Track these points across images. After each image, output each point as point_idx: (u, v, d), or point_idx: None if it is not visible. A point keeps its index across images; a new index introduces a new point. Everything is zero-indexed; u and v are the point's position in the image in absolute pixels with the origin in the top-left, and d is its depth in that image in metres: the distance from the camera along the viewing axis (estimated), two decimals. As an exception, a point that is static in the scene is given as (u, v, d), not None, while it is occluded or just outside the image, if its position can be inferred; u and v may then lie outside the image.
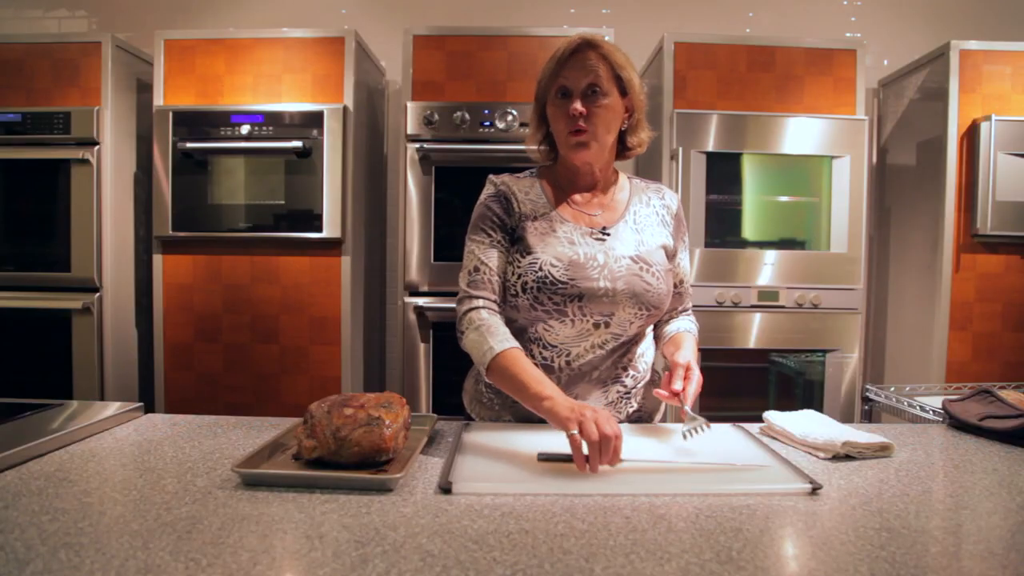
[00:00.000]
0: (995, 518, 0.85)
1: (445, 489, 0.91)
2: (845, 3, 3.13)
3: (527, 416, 1.23)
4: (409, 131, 2.47)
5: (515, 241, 1.27)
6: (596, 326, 1.24)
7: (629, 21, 3.07)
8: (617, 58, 1.24)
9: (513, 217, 1.28)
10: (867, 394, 2.00)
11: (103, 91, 2.52)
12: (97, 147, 2.50)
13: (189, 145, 2.44)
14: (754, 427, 1.27)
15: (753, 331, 2.51)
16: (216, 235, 2.48)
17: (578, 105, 1.21)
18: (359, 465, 0.97)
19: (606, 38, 1.27)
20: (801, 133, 2.49)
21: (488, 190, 1.33)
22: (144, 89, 2.71)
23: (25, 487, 0.92)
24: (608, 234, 1.28)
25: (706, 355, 2.52)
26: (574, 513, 0.84)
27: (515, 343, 1.17)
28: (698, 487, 0.93)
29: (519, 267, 1.23)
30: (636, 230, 1.30)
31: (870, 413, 2.01)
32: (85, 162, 2.47)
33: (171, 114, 2.46)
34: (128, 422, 1.29)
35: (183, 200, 2.48)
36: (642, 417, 1.36)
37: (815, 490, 0.92)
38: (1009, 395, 1.33)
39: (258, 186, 2.48)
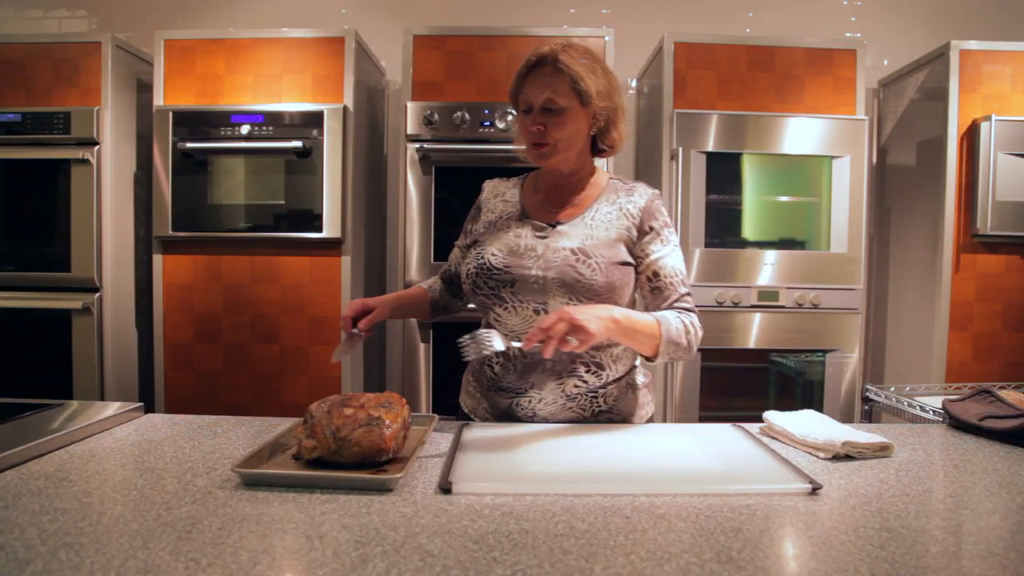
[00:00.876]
0: (995, 518, 0.86)
1: (445, 489, 0.91)
2: (845, 3, 3.13)
3: (500, 408, 1.33)
4: (409, 131, 2.47)
5: (474, 242, 1.40)
6: (536, 312, 1.28)
7: (629, 21, 3.07)
8: (576, 69, 1.24)
9: (478, 224, 1.43)
10: (867, 394, 2.00)
11: (103, 91, 2.52)
12: (97, 147, 2.50)
13: (189, 145, 2.44)
14: (754, 427, 1.27)
15: (753, 331, 2.51)
16: (216, 235, 2.48)
17: (537, 124, 1.26)
18: (359, 465, 0.97)
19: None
20: (801, 133, 2.49)
21: (478, 196, 1.48)
22: (144, 89, 2.71)
23: (25, 487, 0.92)
24: (558, 229, 1.32)
25: (706, 355, 2.52)
26: (574, 513, 0.84)
27: (417, 285, 1.49)
28: (698, 487, 0.93)
29: (468, 258, 1.37)
30: (590, 226, 1.31)
31: (870, 413, 2.01)
32: (85, 162, 2.47)
33: (171, 114, 2.46)
34: (128, 422, 1.29)
35: (183, 200, 2.48)
36: (612, 419, 1.34)
37: (815, 490, 0.92)
38: (1009, 395, 1.33)
39: (258, 186, 2.48)
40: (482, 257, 1.32)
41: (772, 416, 1.25)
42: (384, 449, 0.97)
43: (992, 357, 2.51)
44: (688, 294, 1.32)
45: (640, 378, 1.40)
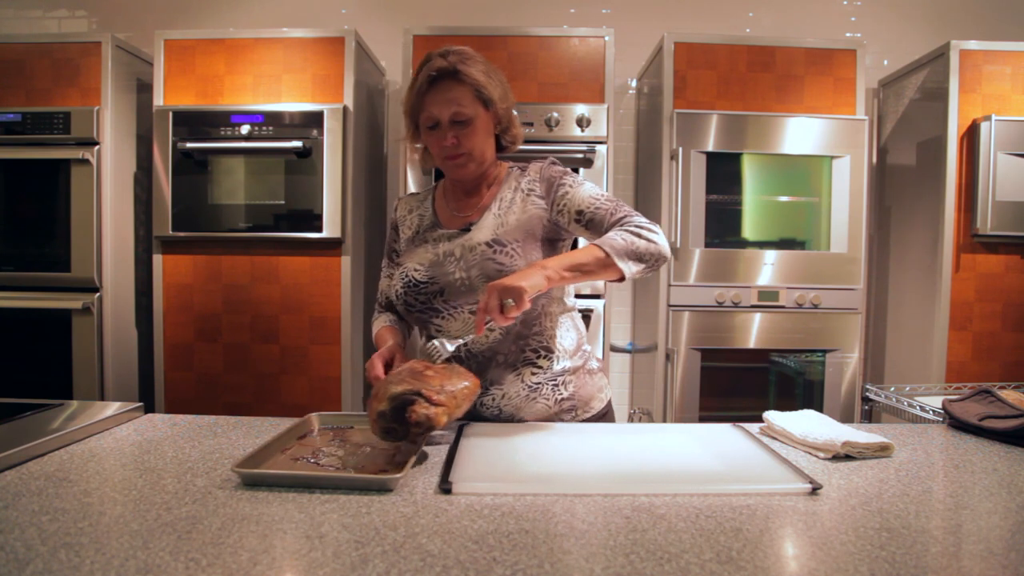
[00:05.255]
0: (995, 518, 0.85)
1: (445, 489, 0.91)
2: (845, 3, 3.13)
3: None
4: (409, 131, 2.47)
5: (397, 264, 1.41)
6: (472, 313, 1.29)
7: (629, 21, 3.07)
8: (476, 79, 1.27)
9: (399, 243, 1.45)
10: (867, 394, 2.00)
11: (103, 91, 2.52)
12: (97, 147, 2.50)
13: (189, 145, 2.44)
14: (754, 427, 1.27)
15: (753, 331, 2.51)
16: (216, 235, 2.48)
17: (450, 137, 1.28)
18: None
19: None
20: (801, 133, 2.49)
21: (391, 215, 1.51)
22: (144, 89, 2.71)
23: (25, 487, 0.92)
24: (469, 228, 1.34)
25: (706, 355, 2.52)
26: (574, 513, 0.84)
27: (384, 324, 1.43)
28: (698, 487, 0.93)
29: (394, 279, 1.38)
30: (498, 215, 1.33)
31: (870, 413, 2.01)
32: (85, 162, 2.47)
33: (171, 114, 2.46)
34: (128, 422, 1.29)
35: (183, 200, 2.48)
36: (576, 406, 1.35)
37: (815, 490, 0.92)
38: (1009, 395, 1.33)
39: (258, 186, 2.48)
40: (406, 275, 1.34)
41: (772, 416, 1.25)
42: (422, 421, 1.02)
43: (992, 357, 2.51)
44: (620, 208, 1.29)
45: (593, 364, 1.43)
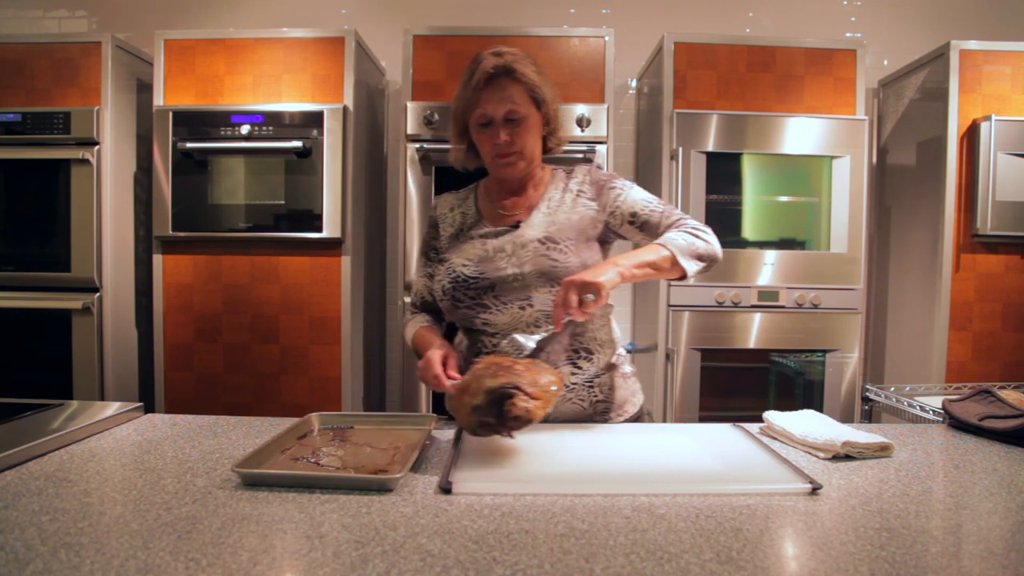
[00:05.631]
0: (995, 518, 0.85)
1: (445, 489, 0.91)
2: (845, 3, 3.13)
3: None
4: (409, 131, 2.47)
5: (440, 260, 1.41)
6: (521, 308, 1.29)
7: (629, 21, 3.07)
8: (531, 78, 1.29)
9: (439, 240, 1.44)
10: (867, 394, 2.00)
11: (103, 91, 2.52)
12: (97, 147, 2.49)
13: (189, 145, 2.43)
14: (754, 427, 1.27)
15: (753, 331, 2.51)
16: (216, 235, 2.48)
17: (503, 135, 1.29)
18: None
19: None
20: (801, 133, 2.49)
21: (430, 214, 1.48)
22: (144, 89, 2.71)
23: (25, 487, 0.92)
24: (518, 226, 1.34)
25: (706, 355, 2.52)
26: (574, 513, 0.84)
27: (422, 325, 1.41)
28: (698, 487, 0.93)
29: (439, 275, 1.37)
30: (548, 214, 1.35)
31: (870, 413, 2.01)
32: (85, 162, 2.47)
33: (171, 114, 2.46)
34: (128, 422, 1.29)
35: (183, 200, 2.48)
36: (609, 408, 1.37)
37: (815, 490, 0.92)
38: (1009, 395, 1.33)
39: (258, 186, 2.48)
40: (453, 271, 1.33)
41: (772, 416, 1.25)
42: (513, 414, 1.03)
43: (992, 357, 2.51)
44: (673, 211, 1.35)
45: (627, 367, 1.44)
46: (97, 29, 3.13)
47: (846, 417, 2.52)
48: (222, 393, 2.52)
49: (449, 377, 1.19)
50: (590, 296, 1.13)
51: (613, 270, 1.17)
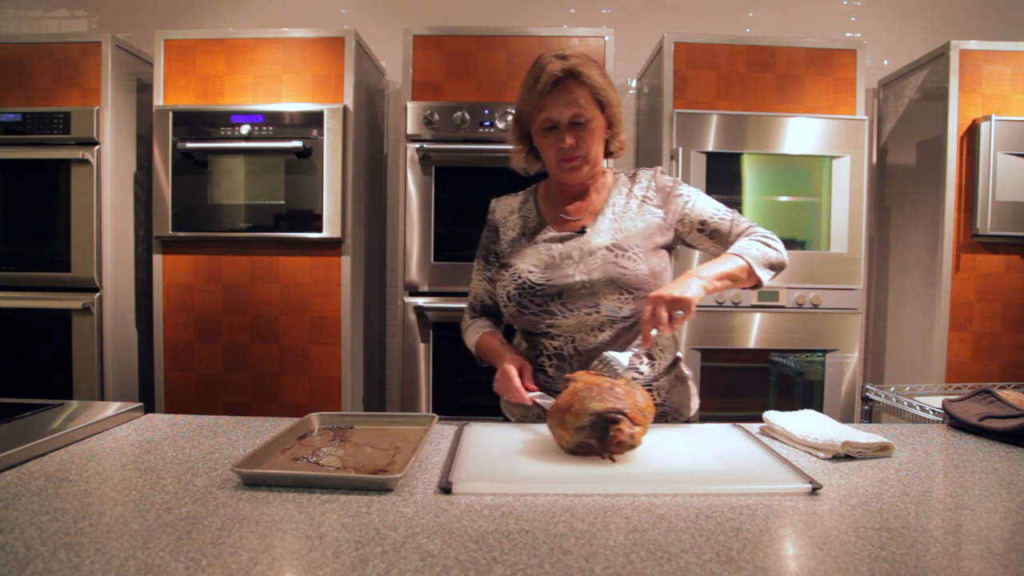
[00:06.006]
0: (995, 518, 0.85)
1: (445, 489, 0.91)
2: (845, 3, 3.13)
3: (526, 413, 1.38)
4: (409, 131, 2.47)
5: (502, 265, 1.39)
6: (588, 314, 1.29)
7: (629, 21, 3.07)
8: (597, 81, 1.28)
9: (500, 244, 1.42)
10: (867, 394, 2.00)
11: (103, 91, 2.52)
12: (97, 147, 2.50)
13: (189, 145, 2.43)
14: (754, 427, 1.27)
15: (753, 331, 2.51)
16: (216, 235, 2.48)
17: (568, 139, 1.27)
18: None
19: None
20: (801, 133, 2.49)
21: (488, 217, 1.47)
22: (144, 89, 2.71)
23: (25, 487, 0.92)
24: (586, 232, 1.33)
25: (706, 355, 2.52)
26: (574, 513, 0.84)
27: (484, 330, 1.41)
28: (698, 487, 0.93)
29: (503, 281, 1.36)
30: (614, 219, 1.34)
31: (870, 413, 2.01)
32: (85, 162, 2.47)
33: (171, 114, 2.46)
34: (128, 422, 1.29)
35: (183, 200, 2.48)
36: (666, 413, 1.36)
37: (815, 490, 0.92)
38: (1009, 395, 1.33)
39: (258, 186, 2.48)
40: (519, 277, 1.32)
41: (772, 416, 1.25)
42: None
43: (992, 357, 2.51)
44: (740, 218, 1.36)
45: (687, 371, 1.43)
46: (97, 29, 3.13)
47: (846, 417, 2.52)
48: (222, 393, 2.52)
49: (528, 389, 1.21)
50: (679, 312, 1.14)
51: (697, 283, 1.17)
